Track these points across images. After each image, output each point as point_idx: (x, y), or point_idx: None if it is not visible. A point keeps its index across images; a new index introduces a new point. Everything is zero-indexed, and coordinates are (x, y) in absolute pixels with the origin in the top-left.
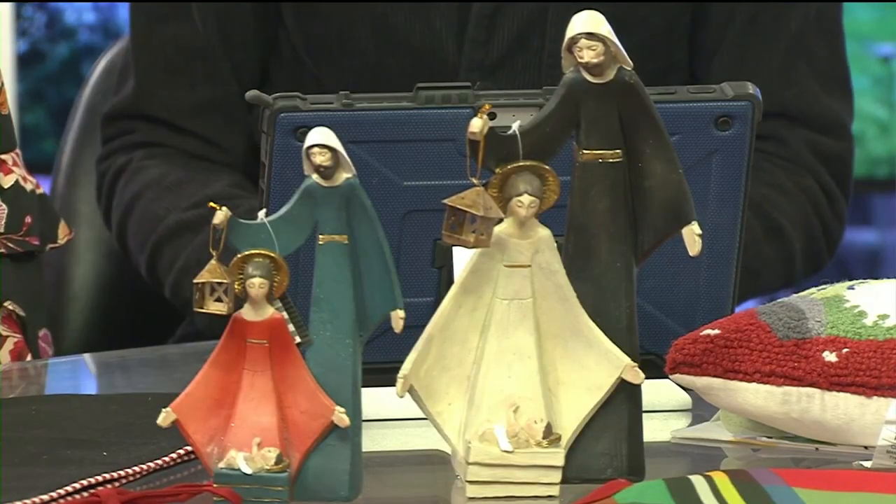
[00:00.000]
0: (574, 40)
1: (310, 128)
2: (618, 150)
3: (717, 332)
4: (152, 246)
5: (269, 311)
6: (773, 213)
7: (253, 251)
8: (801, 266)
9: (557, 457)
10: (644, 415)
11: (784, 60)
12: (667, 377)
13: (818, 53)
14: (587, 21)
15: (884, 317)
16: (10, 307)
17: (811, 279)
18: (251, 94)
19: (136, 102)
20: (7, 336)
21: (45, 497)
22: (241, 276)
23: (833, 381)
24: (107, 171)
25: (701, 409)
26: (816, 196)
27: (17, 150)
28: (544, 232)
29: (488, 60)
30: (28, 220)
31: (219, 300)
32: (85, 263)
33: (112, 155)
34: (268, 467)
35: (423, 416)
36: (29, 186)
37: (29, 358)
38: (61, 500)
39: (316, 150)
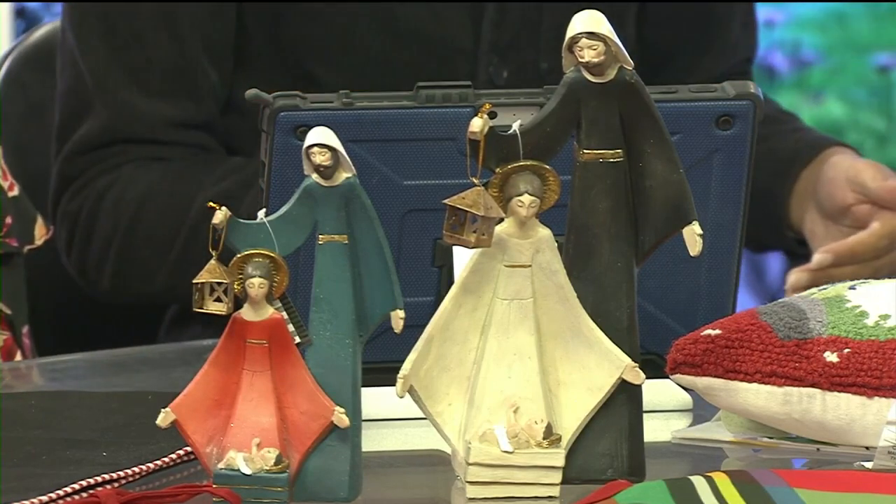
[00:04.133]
0: (575, 40)
1: (310, 126)
2: (618, 150)
3: (717, 332)
4: (189, 231)
5: (269, 312)
6: None
7: (253, 251)
8: None
9: (558, 457)
10: (645, 415)
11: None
12: (667, 377)
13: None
14: (588, 20)
15: (885, 317)
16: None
17: None
18: (251, 92)
19: (113, 128)
20: None
21: (45, 498)
22: (241, 276)
23: (834, 381)
24: (82, 205)
25: (702, 410)
26: None
27: None
28: (545, 232)
29: (501, 42)
30: (8, 220)
31: (218, 300)
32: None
33: (88, 185)
34: (267, 468)
35: (423, 416)
36: (6, 185)
37: (18, 355)
38: (61, 501)
39: (316, 149)
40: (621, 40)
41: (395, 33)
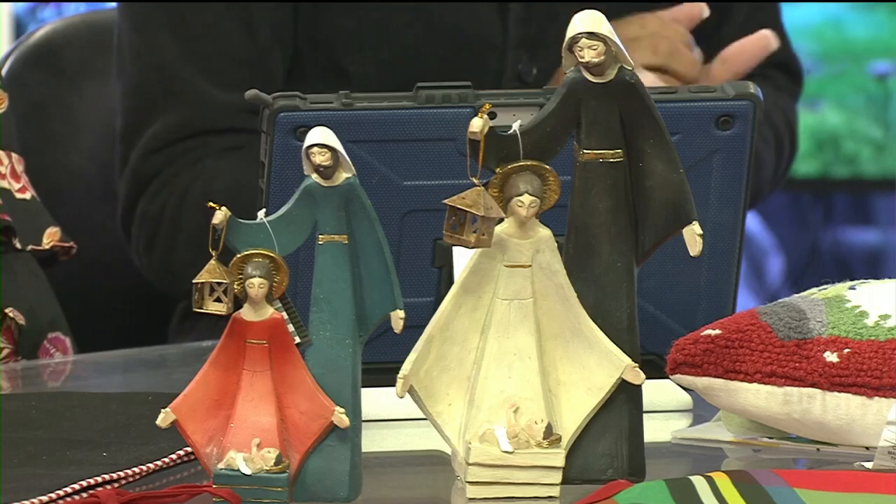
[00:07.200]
0: (575, 40)
1: (309, 127)
2: (618, 150)
3: (717, 332)
4: None
5: (269, 312)
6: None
7: (252, 251)
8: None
9: (558, 457)
10: (645, 415)
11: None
12: (667, 377)
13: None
14: (588, 20)
15: (885, 317)
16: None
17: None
18: (250, 93)
19: (192, 122)
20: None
21: (45, 498)
22: (241, 277)
23: (834, 381)
24: (165, 204)
25: (702, 410)
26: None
27: (9, 152)
28: (545, 232)
29: (528, 38)
30: (4, 216)
31: (218, 300)
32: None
33: (169, 183)
34: (267, 468)
35: (423, 416)
36: (16, 187)
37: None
38: (61, 501)
39: (316, 149)
40: None
41: (428, 28)
